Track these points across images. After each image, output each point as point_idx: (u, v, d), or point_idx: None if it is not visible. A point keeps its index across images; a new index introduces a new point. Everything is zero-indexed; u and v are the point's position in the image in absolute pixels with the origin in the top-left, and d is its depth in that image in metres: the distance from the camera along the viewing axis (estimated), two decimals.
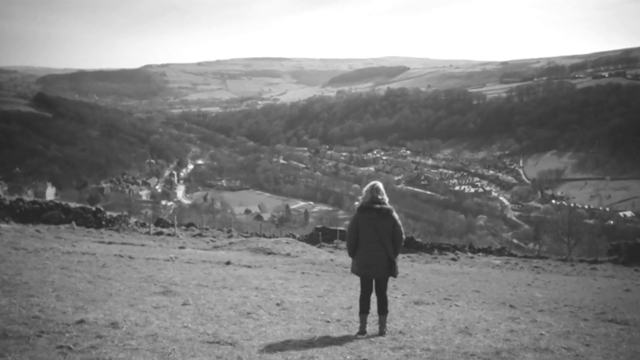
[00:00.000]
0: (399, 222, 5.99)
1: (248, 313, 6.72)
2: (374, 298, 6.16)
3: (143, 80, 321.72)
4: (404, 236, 6.08)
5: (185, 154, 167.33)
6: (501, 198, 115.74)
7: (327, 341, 5.60)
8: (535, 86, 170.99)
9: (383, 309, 6.07)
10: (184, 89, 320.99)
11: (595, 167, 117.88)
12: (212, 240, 20.77)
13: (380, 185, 6.06)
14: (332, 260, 15.84)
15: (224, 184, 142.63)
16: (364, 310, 6.06)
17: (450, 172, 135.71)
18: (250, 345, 5.23)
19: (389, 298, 6.26)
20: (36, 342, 4.67)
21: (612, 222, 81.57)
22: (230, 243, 19.25)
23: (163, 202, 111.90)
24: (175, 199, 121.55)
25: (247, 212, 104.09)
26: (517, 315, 7.80)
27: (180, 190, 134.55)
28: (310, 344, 5.46)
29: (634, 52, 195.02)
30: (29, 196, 28.26)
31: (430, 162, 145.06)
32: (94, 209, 21.19)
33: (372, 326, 6.25)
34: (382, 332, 5.99)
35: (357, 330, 6.05)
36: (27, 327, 5.06)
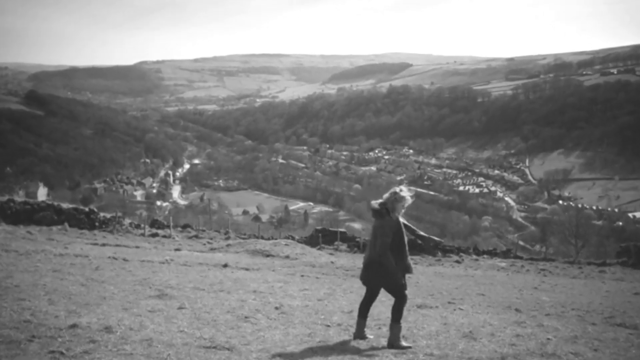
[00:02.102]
0: (386, 224, 5.72)
1: (246, 317, 6.72)
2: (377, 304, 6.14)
3: (138, 77, 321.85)
4: (386, 239, 5.66)
5: (181, 153, 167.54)
6: (507, 199, 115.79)
7: (327, 346, 5.60)
8: (542, 83, 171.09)
9: (392, 315, 5.84)
10: (179, 86, 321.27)
11: (603, 167, 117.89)
12: (208, 242, 20.76)
13: (398, 189, 5.85)
14: (332, 262, 15.85)
15: (221, 184, 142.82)
16: (360, 314, 6.01)
17: (454, 171, 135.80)
18: (248, 350, 5.24)
19: (388, 301, 6.23)
20: (27, 347, 4.68)
21: (621, 223, 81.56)
22: (228, 245, 19.24)
23: (158, 203, 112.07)
24: (170, 200, 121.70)
25: (245, 213, 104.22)
26: (523, 319, 7.80)
27: (176, 191, 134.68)
28: (310, 349, 5.47)
29: None
30: (20, 197, 28.30)
31: (433, 161, 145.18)
32: (87, 209, 21.19)
33: (383, 332, 6.25)
34: (388, 343, 5.71)
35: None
36: (18, 331, 5.06)
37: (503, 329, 6.83)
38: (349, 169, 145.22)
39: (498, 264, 20.71)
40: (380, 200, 5.86)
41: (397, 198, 5.74)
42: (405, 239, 5.84)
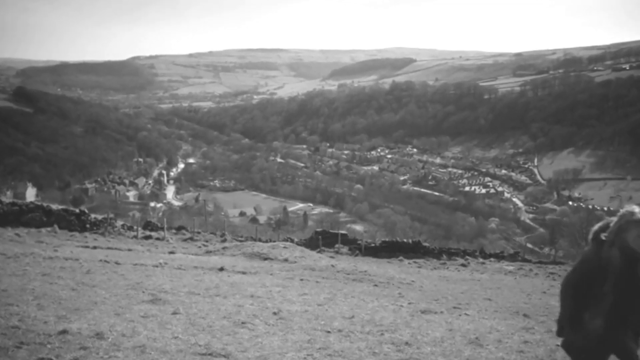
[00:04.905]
0: (588, 256, 4.07)
1: (243, 323, 6.73)
2: None
3: (130, 73, 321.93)
4: (573, 273, 4.13)
5: (175, 152, 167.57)
6: (514, 199, 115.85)
7: (327, 352, 5.60)
8: (551, 79, 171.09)
9: None
10: (174, 82, 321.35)
11: (615, 166, 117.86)
12: (204, 245, 20.77)
13: (634, 209, 3.92)
14: (333, 266, 15.84)
15: (217, 185, 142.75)
16: None
17: (460, 171, 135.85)
18: (245, 357, 5.24)
19: (391, 306, 6.20)
20: (16, 354, 4.68)
21: None
22: (224, 248, 19.26)
23: (152, 204, 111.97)
24: (164, 201, 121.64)
25: (242, 214, 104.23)
26: (532, 325, 7.81)
27: (170, 191, 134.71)
28: (309, 355, 5.47)
29: None
30: (7, 197, 28.32)
31: (438, 160, 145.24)
32: (77, 211, 21.19)
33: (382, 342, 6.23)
34: None
35: None
36: (6, 337, 5.07)
37: (510, 335, 6.83)
38: (350, 169, 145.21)
39: (505, 268, 20.72)
40: (602, 222, 4.10)
41: (622, 225, 3.85)
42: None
